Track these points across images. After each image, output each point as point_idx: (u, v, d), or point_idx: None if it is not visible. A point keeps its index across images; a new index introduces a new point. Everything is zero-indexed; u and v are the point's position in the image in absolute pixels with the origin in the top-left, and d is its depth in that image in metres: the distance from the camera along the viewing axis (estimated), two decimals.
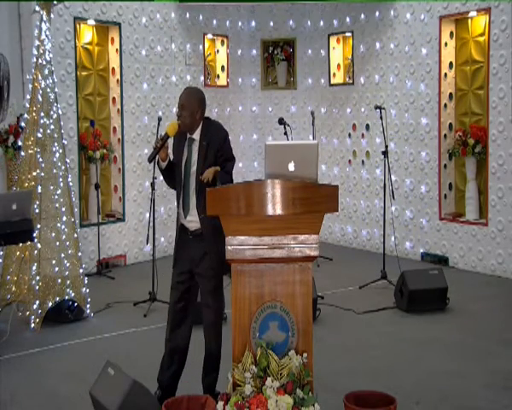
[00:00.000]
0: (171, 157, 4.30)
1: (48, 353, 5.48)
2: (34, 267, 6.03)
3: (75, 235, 6.37)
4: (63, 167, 6.31)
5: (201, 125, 4.21)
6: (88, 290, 6.34)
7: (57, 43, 7.68)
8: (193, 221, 4.17)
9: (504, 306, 6.63)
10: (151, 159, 4.13)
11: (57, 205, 6.21)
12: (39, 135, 6.18)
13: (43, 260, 6.10)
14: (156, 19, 8.93)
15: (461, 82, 8.36)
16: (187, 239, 4.22)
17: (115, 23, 8.46)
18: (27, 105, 6.33)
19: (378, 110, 7.41)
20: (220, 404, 3.43)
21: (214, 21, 9.74)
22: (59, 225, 6.20)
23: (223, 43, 9.99)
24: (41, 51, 6.23)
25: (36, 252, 6.07)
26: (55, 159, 6.24)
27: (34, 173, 6.16)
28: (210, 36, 9.78)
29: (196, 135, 4.20)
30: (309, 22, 9.93)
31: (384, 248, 7.51)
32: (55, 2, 6.36)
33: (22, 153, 6.28)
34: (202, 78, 9.59)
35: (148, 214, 7.60)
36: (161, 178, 4.48)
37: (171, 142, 4.28)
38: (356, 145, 9.47)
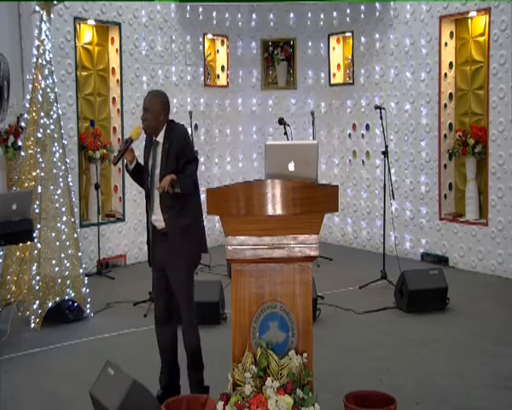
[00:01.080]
0: (141, 160, 4.39)
1: (48, 353, 5.48)
2: (34, 267, 6.03)
3: (75, 235, 6.36)
4: (63, 167, 6.31)
5: (165, 128, 4.27)
6: (88, 290, 6.34)
7: (57, 43, 7.68)
8: (158, 220, 4.27)
9: (504, 306, 6.63)
10: (116, 161, 4.27)
11: (57, 205, 6.21)
12: (39, 135, 6.18)
13: (43, 260, 6.10)
14: (156, 19, 8.93)
15: (461, 82, 8.36)
16: (156, 238, 4.32)
17: (115, 23, 8.46)
18: (27, 105, 6.33)
19: (378, 110, 7.41)
20: (220, 404, 3.43)
21: (214, 21, 9.73)
22: (59, 225, 6.20)
23: (223, 43, 9.98)
24: (41, 51, 6.23)
25: (36, 252, 6.07)
26: (55, 159, 6.24)
27: (34, 173, 6.16)
28: (210, 36, 9.78)
29: (160, 138, 4.29)
30: (309, 22, 9.93)
31: (384, 248, 7.51)
32: (55, 2, 6.36)
33: (22, 153, 6.28)
34: (202, 78, 9.59)
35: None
36: None
37: (140, 144, 4.43)
38: (356, 145, 9.47)
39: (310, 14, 9.90)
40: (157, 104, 4.24)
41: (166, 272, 4.29)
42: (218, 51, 10.01)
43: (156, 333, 4.44)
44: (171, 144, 4.20)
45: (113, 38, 8.61)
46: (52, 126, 6.25)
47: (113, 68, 8.66)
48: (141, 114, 4.38)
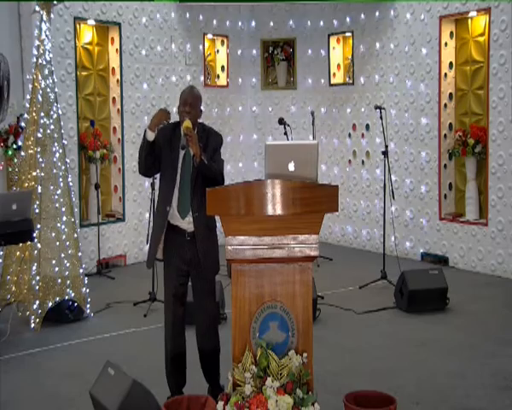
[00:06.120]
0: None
1: (48, 353, 5.48)
2: (34, 267, 6.03)
3: (75, 235, 6.36)
4: (63, 167, 6.31)
5: (197, 126, 4.23)
6: (88, 290, 6.34)
7: (57, 43, 7.68)
8: (190, 222, 4.14)
9: (504, 306, 6.63)
10: (183, 148, 4.08)
11: (57, 205, 6.21)
12: (39, 135, 6.18)
13: (43, 260, 6.10)
14: (156, 19, 8.93)
15: (461, 82, 8.36)
16: (183, 241, 4.17)
17: (115, 23, 8.46)
18: (27, 105, 6.33)
19: (378, 110, 7.41)
20: (220, 404, 3.43)
21: (214, 21, 9.74)
22: (59, 225, 6.20)
23: (223, 43, 9.99)
24: (41, 51, 6.23)
25: (36, 252, 6.07)
26: (55, 159, 6.24)
27: (34, 173, 6.16)
28: (210, 36, 9.78)
29: None
30: (309, 22, 9.92)
31: (384, 248, 7.50)
32: (55, 2, 6.36)
33: (22, 153, 6.28)
34: (202, 78, 9.59)
35: (148, 214, 7.60)
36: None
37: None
38: (356, 145, 9.47)
39: (310, 14, 9.89)
40: (199, 101, 4.22)
41: (193, 276, 4.21)
42: (218, 51, 10.01)
43: (171, 340, 4.29)
44: (208, 144, 4.14)
45: (113, 38, 8.61)
46: (52, 126, 6.25)
47: (113, 68, 8.66)
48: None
